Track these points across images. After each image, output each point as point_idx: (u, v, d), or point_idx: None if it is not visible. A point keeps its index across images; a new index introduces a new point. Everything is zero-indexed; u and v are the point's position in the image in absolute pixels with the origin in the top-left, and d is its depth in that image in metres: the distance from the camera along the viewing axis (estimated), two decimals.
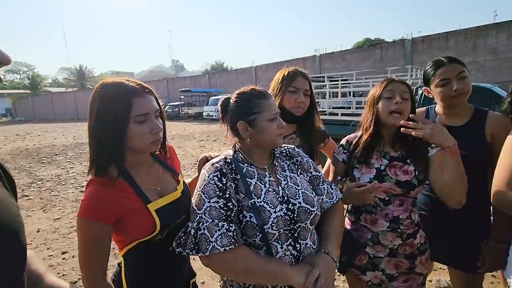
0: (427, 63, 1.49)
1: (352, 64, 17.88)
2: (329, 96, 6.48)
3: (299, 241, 0.95)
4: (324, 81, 6.93)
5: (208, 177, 0.92)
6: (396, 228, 1.22)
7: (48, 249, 3.29)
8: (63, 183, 5.98)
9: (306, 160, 1.13)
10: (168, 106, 24.29)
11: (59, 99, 36.75)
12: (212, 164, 0.96)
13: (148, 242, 0.95)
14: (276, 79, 1.47)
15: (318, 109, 1.64)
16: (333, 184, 1.14)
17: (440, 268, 2.49)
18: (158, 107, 0.98)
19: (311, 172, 1.11)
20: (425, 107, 1.60)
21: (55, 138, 14.21)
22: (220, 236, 0.84)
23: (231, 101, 1.02)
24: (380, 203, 1.22)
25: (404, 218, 1.21)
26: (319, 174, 1.12)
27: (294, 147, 1.17)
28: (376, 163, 1.25)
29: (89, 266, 0.89)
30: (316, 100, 6.46)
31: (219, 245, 0.84)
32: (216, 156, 1.05)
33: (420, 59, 15.11)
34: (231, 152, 1.04)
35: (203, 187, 0.91)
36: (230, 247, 0.84)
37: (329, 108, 6.30)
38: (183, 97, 24.10)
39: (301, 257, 0.95)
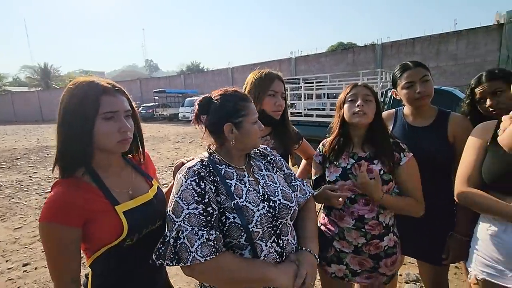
0: (396, 67, 1.56)
1: (327, 67, 18.42)
2: (304, 98, 6.59)
3: (282, 237, 0.97)
4: (299, 83, 7.04)
5: (186, 182, 0.88)
6: (361, 227, 1.25)
7: (7, 261, 3.04)
8: (25, 189, 5.57)
9: (278, 159, 1.17)
10: (141, 107, 23.54)
11: (21, 99, 34.21)
12: (189, 168, 0.92)
13: (117, 249, 0.89)
14: (251, 81, 1.45)
15: (294, 110, 1.68)
16: (304, 181, 1.18)
17: (410, 262, 2.62)
18: (130, 108, 0.95)
19: (283, 171, 1.14)
20: (394, 109, 1.67)
21: (16, 141, 13.23)
22: (200, 246, 0.81)
23: (214, 101, 0.99)
24: (347, 201, 1.27)
25: (369, 218, 1.25)
26: (291, 172, 1.16)
27: (266, 147, 1.20)
28: (344, 163, 1.30)
29: (59, 275, 0.84)
30: (292, 102, 6.54)
31: (200, 256, 0.81)
32: (191, 160, 1.03)
33: (390, 63, 15.92)
34: (206, 154, 1.02)
35: (181, 193, 0.87)
36: (211, 257, 0.82)
37: (305, 110, 6.41)
38: (157, 98, 23.45)
39: (284, 253, 0.96)
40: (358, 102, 1.24)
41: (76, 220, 0.82)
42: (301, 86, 6.64)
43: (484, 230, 1.14)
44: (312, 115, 5.61)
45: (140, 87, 30.06)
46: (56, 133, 0.89)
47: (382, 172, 1.24)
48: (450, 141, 1.42)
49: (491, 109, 1.40)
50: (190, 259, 0.80)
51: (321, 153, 1.41)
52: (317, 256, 1.00)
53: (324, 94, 7.30)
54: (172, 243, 0.83)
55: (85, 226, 0.85)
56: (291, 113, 6.77)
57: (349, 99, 1.27)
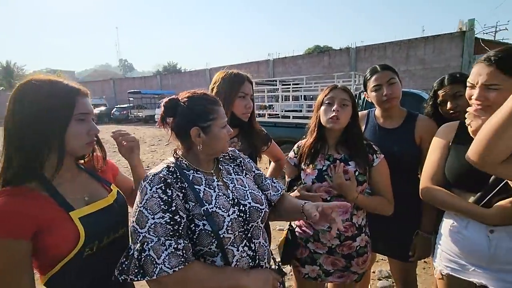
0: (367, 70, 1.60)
1: (304, 69, 18.75)
2: (282, 100, 6.65)
3: (253, 240, 0.96)
4: (276, 85, 7.10)
5: (151, 190, 0.84)
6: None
7: None
8: None
9: (248, 161, 1.16)
10: (115, 109, 22.65)
11: None
12: (154, 174, 0.88)
13: (76, 261, 0.82)
14: (218, 82, 1.41)
15: (272, 112, 1.67)
16: (274, 178, 1.19)
17: (382, 259, 2.70)
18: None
19: (253, 172, 1.14)
20: (366, 111, 1.72)
21: None
22: (167, 257, 0.77)
23: (181, 103, 0.96)
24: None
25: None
26: (261, 172, 1.17)
27: (234, 149, 1.18)
28: (319, 165, 1.32)
29: None
30: (270, 103, 6.57)
31: (167, 267, 0.76)
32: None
33: (363, 66, 16.50)
34: (172, 159, 0.98)
35: (145, 202, 0.82)
36: (180, 267, 0.78)
37: (282, 111, 6.47)
38: (132, 99, 22.65)
39: (256, 256, 0.95)
40: (334, 107, 1.25)
41: (24, 231, 0.75)
42: (278, 88, 6.69)
43: (447, 226, 1.19)
44: (289, 117, 5.67)
45: (113, 87, 28.98)
46: (5, 137, 0.81)
47: (357, 173, 1.27)
48: (417, 143, 1.47)
49: (451, 112, 1.48)
50: (156, 272, 0.76)
51: (296, 155, 1.41)
52: None
53: (301, 96, 7.40)
54: (136, 256, 0.78)
55: (36, 238, 0.77)
56: (269, 114, 6.82)
57: (326, 102, 1.29)
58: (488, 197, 1.02)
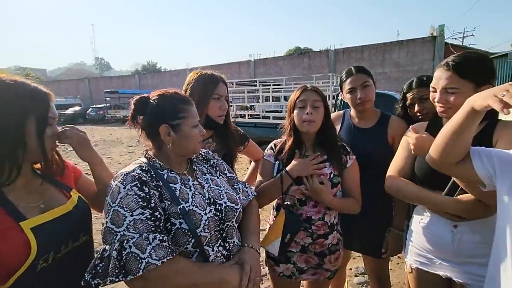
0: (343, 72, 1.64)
1: (284, 70, 18.95)
2: (262, 100, 6.69)
3: (228, 240, 0.96)
4: (257, 85, 7.14)
5: (125, 188, 0.81)
6: (308, 228, 1.29)
7: None
8: None
9: (220, 162, 1.16)
10: (91, 109, 21.80)
11: None
12: (126, 173, 0.85)
13: (29, 275, 0.75)
14: (192, 83, 1.37)
15: (253, 113, 1.65)
16: (246, 183, 1.19)
17: (359, 256, 2.77)
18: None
19: (226, 174, 1.14)
20: (342, 111, 1.75)
21: None
22: (153, 250, 0.75)
23: (151, 101, 0.94)
24: (297, 203, 1.30)
25: (316, 219, 1.29)
26: (233, 176, 1.17)
27: (207, 151, 1.18)
28: None
29: None
30: (251, 104, 6.59)
31: (155, 259, 0.74)
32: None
33: (342, 68, 16.90)
34: (144, 160, 0.95)
35: (120, 201, 0.79)
36: (168, 257, 0.76)
37: (262, 112, 6.51)
38: (108, 99, 21.87)
39: (231, 256, 0.95)
40: (307, 110, 1.26)
41: None
42: (258, 89, 6.72)
43: (416, 222, 1.24)
44: (269, 117, 5.72)
45: (89, 86, 27.91)
46: None
47: (332, 175, 1.29)
48: (390, 142, 1.52)
49: (418, 114, 1.54)
50: (142, 267, 0.73)
51: (274, 153, 1.40)
52: (259, 251, 1.01)
53: (281, 96, 7.49)
54: (115, 256, 0.74)
55: None
56: (250, 115, 6.84)
57: (299, 106, 1.29)
58: (456, 193, 1.06)
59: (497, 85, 0.79)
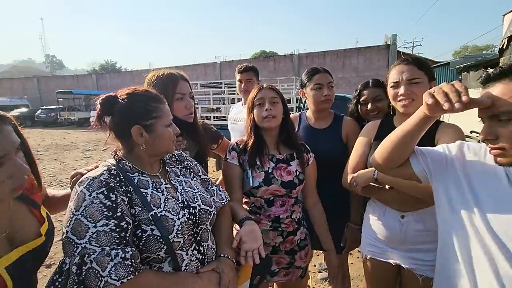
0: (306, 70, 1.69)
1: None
2: (228, 103, 6.67)
3: (202, 243, 0.94)
4: (222, 87, 7.10)
5: (90, 195, 0.75)
6: (277, 227, 1.30)
7: None
8: None
9: (194, 164, 1.14)
10: (40, 110, 19.93)
11: None
12: (93, 178, 0.78)
13: None
14: (150, 82, 1.30)
15: (220, 115, 1.62)
16: (220, 186, 1.17)
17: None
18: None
19: (200, 176, 1.11)
20: (298, 113, 1.81)
21: None
22: (114, 268, 0.70)
23: (120, 100, 0.88)
24: (265, 204, 1.30)
25: (284, 217, 1.31)
26: (207, 178, 1.15)
27: (181, 152, 1.15)
28: (265, 166, 1.31)
29: None
30: (218, 106, 6.52)
31: (115, 279, 0.69)
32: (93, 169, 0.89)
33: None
34: (113, 161, 0.89)
35: (84, 209, 0.73)
36: (129, 278, 0.71)
37: (229, 114, 6.47)
38: (61, 99, 20.21)
39: (205, 259, 0.94)
40: (266, 106, 1.27)
41: None
42: (224, 91, 6.69)
43: (368, 215, 1.33)
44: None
45: (38, 86, 25.60)
46: None
47: (298, 172, 1.31)
48: (344, 141, 1.60)
49: (371, 113, 1.65)
50: (101, 286, 0.68)
51: (238, 153, 1.36)
52: (234, 260, 1.00)
53: None
54: (75, 271, 0.68)
55: None
56: (216, 117, 6.76)
57: (257, 103, 1.30)
58: None
59: None
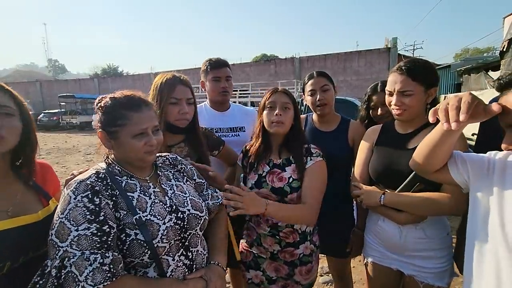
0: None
1: (251, 76, 19.20)
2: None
3: (191, 249, 0.93)
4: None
5: (75, 199, 0.76)
6: (275, 234, 1.25)
7: None
8: None
9: (189, 168, 1.12)
10: (42, 114, 20.00)
11: None
12: (80, 181, 0.79)
13: None
14: (154, 86, 1.32)
15: None
16: (216, 189, 1.16)
17: (324, 256, 2.85)
18: None
19: (194, 180, 1.10)
20: (305, 115, 1.80)
21: None
22: (92, 273, 0.70)
23: (102, 102, 0.90)
24: None
25: (283, 226, 1.24)
26: (203, 181, 1.13)
27: (176, 156, 1.13)
28: (260, 170, 1.30)
29: None
30: None
31: (91, 284, 0.69)
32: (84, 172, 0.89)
33: (306, 75, 17.61)
34: (103, 165, 0.90)
35: (68, 212, 0.74)
36: (106, 283, 0.71)
37: None
38: (63, 103, 20.30)
39: (194, 265, 0.92)
40: (276, 111, 1.24)
41: None
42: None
43: (371, 221, 1.33)
44: None
45: (40, 90, 25.76)
46: None
47: (291, 179, 1.23)
48: (350, 145, 1.59)
49: (382, 117, 1.63)
50: None
51: (244, 156, 1.38)
52: (224, 268, 0.99)
53: (248, 101, 7.56)
54: (54, 274, 0.69)
55: None
56: None
57: (268, 106, 1.27)
58: (412, 189, 1.14)
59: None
